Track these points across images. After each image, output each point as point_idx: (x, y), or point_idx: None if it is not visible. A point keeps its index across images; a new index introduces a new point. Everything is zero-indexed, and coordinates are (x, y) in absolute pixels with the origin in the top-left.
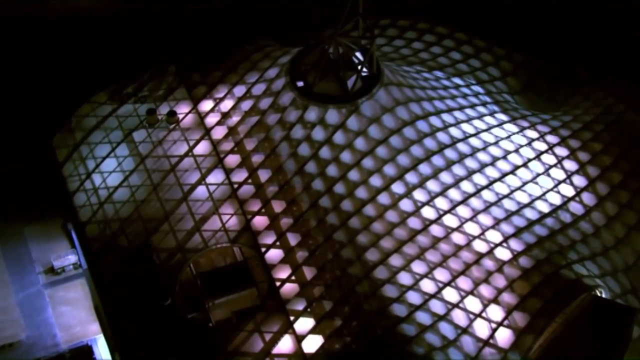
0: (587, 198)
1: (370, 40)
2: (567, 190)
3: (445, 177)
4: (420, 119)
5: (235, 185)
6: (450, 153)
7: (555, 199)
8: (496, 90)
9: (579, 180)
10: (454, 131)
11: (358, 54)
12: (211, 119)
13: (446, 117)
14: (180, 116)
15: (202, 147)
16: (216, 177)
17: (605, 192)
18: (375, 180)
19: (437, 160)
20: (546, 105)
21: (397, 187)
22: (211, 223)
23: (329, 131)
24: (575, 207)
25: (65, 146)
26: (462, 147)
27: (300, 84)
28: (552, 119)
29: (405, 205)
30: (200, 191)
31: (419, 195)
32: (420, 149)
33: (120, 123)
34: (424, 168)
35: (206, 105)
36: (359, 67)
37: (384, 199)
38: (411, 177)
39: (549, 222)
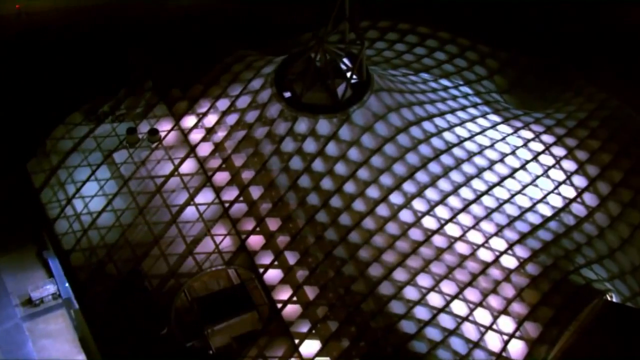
0: (589, 199)
1: (360, 45)
2: (568, 192)
3: (444, 185)
4: (413, 125)
5: (227, 204)
6: (446, 159)
7: (557, 202)
8: (485, 90)
9: (579, 181)
10: (448, 136)
11: (345, 60)
12: (195, 136)
13: (439, 121)
14: (163, 134)
15: (188, 166)
16: (205, 196)
17: (607, 191)
18: (373, 192)
19: (434, 167)
20: (537, 103)
21: (396, 198)
22: (204, 245)
23: (320, 142)
24: (578, 209)
25: (41, 171)
26: (457, 152)
27: (287, 94)
28: (545, 118)
29: (405, 216)
30: (190, 212)
31: (419, 204)
32: (415, 156)
33: (98, 144)
34: (421, 176)
35: (189, 121)
36: (348, 74)
37: (382, 210)
38: (409, 187)
39: (552, 225)
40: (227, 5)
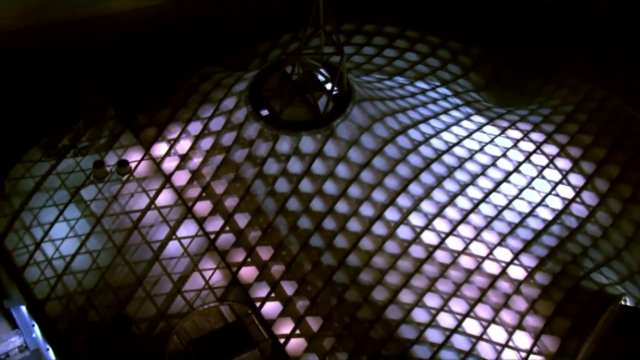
0: (588, 197)
1: (340, 54)
2: (566, 192)
3: (439, 196)
4: (399, 135)
5: (212, 236)
6: (438, 168)
7: (556, 203)
8: (462, 89)
9: (576, 179)
10: (436, 143)
11: (322, 71)
12: (169, 164)
13: (424, 127)
14: (133, 165)
15: (165, 197)
16: (188, 229)
17: (606, 188)
18: (366, 210)
19: (427, 178)
20: (517, 99)
21: (391, 214)
22: (192, 282)
23: (306, 161)
24: (578, 209)
25: (2, 215)
26: (448, 159)
27: (264, 112)
28: (530, 114)
29: (404, 232)
30: (173, 247)
31: (416, 219)
32: (406, 167)
33: (63, 181)
34: (415, 188)
35: (160, 149)
36: (327, 86)
37: (379, 229)
38: (403, 201)
39: (555, 230)
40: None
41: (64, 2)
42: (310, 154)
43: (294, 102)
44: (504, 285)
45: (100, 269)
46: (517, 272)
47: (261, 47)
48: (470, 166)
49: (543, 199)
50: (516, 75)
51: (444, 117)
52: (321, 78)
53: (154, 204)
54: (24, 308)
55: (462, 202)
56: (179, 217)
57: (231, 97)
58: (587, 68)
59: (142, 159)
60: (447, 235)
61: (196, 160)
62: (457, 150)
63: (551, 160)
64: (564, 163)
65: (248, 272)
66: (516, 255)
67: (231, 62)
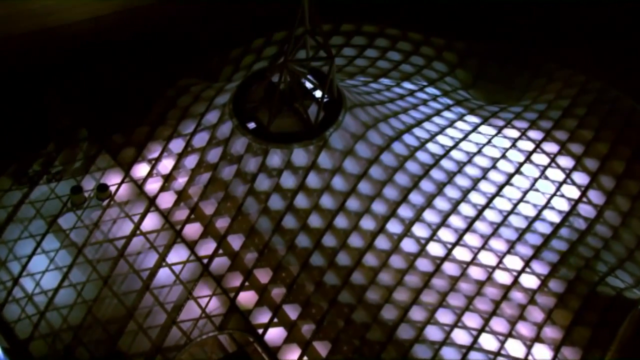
0: (595, 196)
1: (330, 59)
2: (571, 192)
3: (441, 204)
4: (395, 141)
5: (205, 260)
6: (437, 174)
7: (563, 205)
8: (450, 87)
9: (580, 178)
10: (432, 147)
11: (309, 77)
12: (152, 186)
13: (419, 132)
14: (113, 188)
15: (151, 222)
16: (178, 254)
17: (612, 185)
18: (367, 223)
19: (427, 186)
20: (507, 94)
21: (393, 226)
22: (188, 311)
23: (299, 175)
24: (586, 210)
25: None
26: (447, 164)
27: (251, 125)
28: (524, 111)
29: (408, 245)
30: (164, 275)
31: (419, 230)
32: (405, 175)
33: (38, 210)
34: (416, 197)
35: (141, 170)
36: (315, 93)
37: (382, 243)
38: (405, 212)
39: (564, 233)
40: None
41: (10, 15)
42: (303, 167)
43: (283, 113)
44: (517, 296)
45: (87, 302)
46: (529, 281)
47: (232, 53)
48: (470, 170)
49: (549, 201)
50: (504, 70)
51: (437, 119)
52: (309, 85)
53: (139, 229)
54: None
55: (466, 209)
56: (167, 242)
57: (214, 111)
58: (577, 58)
59: (123, 181)
60: (454, 245)
61: (181, 180)
62: (455, 153)
63: (553, 159)
64: (566, 161)
65: (247, 297)
66: (527, 263)
67: (200, 71)
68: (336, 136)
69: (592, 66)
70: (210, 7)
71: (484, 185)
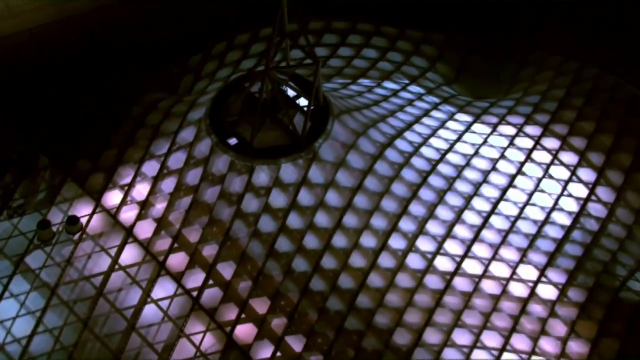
0: (604, 193)
1: (315, 64)
2: (579, 190)
3: (444, 213)
4: (387, 148)
5: (195, 293)
6: (436, 181)
7: (572, 205)
8: (434, 84)
9: (586, 174)
10: (427, 152)
11: (292, 85)
12: (128, 215)
13: (411, 136)
14: (84, 221)
15: (131, 254)
16: (165, 288)
17: (620, 180)
18: (368, 240)
19: (427, 195)
20: (493, 88)
21: (397, 242)
22: (181, 351)
23: (290, 193)
24: (596, 209)
25: None
26: (445, 169)
27: (232, 141)
28: (517, 105)
29: (414, 262)
30: (151, 312)
31: (424, 244)
32: (402, 185)
33: (1, 250)
34: (417, 208)
35: (113, 198)
36: (303, 101)
37: (386, 261)
38: (407, 225)
39: (577, 236)
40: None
41: None
42: (293, 183)
43: (266, 126)
44: (536, 309)
45: (67, 348)
46: (547, 292)
47: (191, 61)
48: (470, 174)
49: (556, 202)
50: (488, 62)
51: (427, 121)
52: (291, 93)
53: (118, 264)
54: None
55: (471, 218)
56: (151, 276)
57: (189, 128)
58: (565, 44)
59: (94, 212)
60: (463, 258)
61: (160, 207)
62: (452, 157)
63: (555, 155)
64: (569, 157)
65: (245, 331)
66: (543, 272)
67: (157, 83)
68: (326, 147)
69: (580, 51)
70: (156, 9)
71: (486, 190)
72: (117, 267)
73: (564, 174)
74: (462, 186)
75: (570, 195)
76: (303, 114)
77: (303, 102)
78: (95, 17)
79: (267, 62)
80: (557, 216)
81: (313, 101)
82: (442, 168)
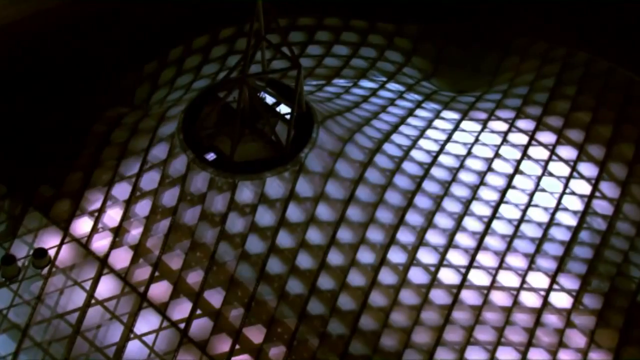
0: (608, 189)
1: (297, 68)
2: (582, 187)
3: (443, 221)
4: (376, 153)
5: (182, 325)
6: (430, 186)
7: (575, 204)
8: (413, 80)
9: (587, 169)
10: (418, 155)
11: (269, 90)
12: (100, 243)
13: (398, 139)
14: (52, 252)
15: (107, 286)
16: (148, 321)
17: (624, 173)
18: (365, 256)
19: (422, 202)
20: (475, 80)
21: (396, 256)
22: None
23: (277, 209)
24: (601, 206)
25: None
26: (438, 173)
27: (210, 156)
28: (505, 97)
29: (416, 276)
30: (135, 349)
31: (426, 256)
32: (396, 193)
33: None
34: (413, 217)
35: (82, 225)
36: (283, 108)
37: (387, 277)
38: (405, 236)
39: (584, 237)
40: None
41: None
42: (280, 198)
43: (246, 137)
44: (551, 320)
45: None
46: (561, 300)
47: (146, 68)
48: (465, 176)
49: (559, 201)
50: (467, 52)
51: (412, 121)
52: (269, 100)
53: (94, 298)
54: None
55: (472, 224)
56: (132, 309)
57: (160, 144)
58: (548, 29)
59: (62, 242)
60: (468, 269)
61: (135, 232)
62: (444, 159)
63: (552, 150)
64: (567, 151)
65: None
66: (554, 279)
67: (108, 93)
68: (312, 157)
69: (567, 35)
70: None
71: (484, 192)
72: (93, 301)
73: (564, 170)
74: (458, 190)
75: (572, 193)
76: (285, 122)
77: (283, 109)
78: (31, 24)
79: (243, 68)
80: (561, 216)
81: (296, 107)
82: (436, 171)
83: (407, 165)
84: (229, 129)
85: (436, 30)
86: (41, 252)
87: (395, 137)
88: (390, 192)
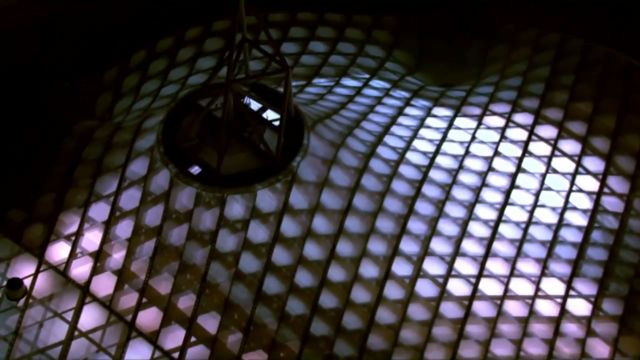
0: (616, 184)
1: (285, 71)
2: (589, 183)
3: (447, 227)
4: (370, 158)
5: (176, 354)
6: (430, 190)
7: (584, 202)
8: (397, 76)
9: (593, 163)
10: (414, 157)
11: (254, 95)
12: (80, 269)
13: (391, 140)
14: (27, 282)
15: (92, 316)
16: (138, 352)
17: (632, 165)
18: (368, 270)
19: (424, 208)
20: (462, 73)
21: (401, 268)
22: None
23: (271, 223)
24: (611, 203)
25: None
26: (436, 175)
27: (195, 170)
28: (498, 90)
29: (424, 289)
30: None
31: (432, 267)
32: (395, 200)
33: None
34: (416, 225)
35: (59, 251)
36: (270, 114)
37: (393, 291)
38: (409, 246)
39: (597, 237)
40: None
41: None
42: (273, 211)
43: (232, 147)
44: (571, 329)
45: None
46: (579, 307)
47: (107, 75)
48: (465, 178)
49: (567, 200)
50: (451, 43)
51: (403, 120)
52: (254, 106)
53: (77, 329)
54: None
55: (477, 229)
56: (119, 340)
57: (138, 159)
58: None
59: (38, 270)
60: (478, 278)
61: (117, 256)
62: (441, 160)
63: (554, 145)
64: (570, 146)
65: None
66: (569, 284)
67: (66, 103)
68: (305, 165)
69: (553, 19)
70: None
71: (487, 195)
72: (76, 333)
73: (569, 165)
74: (460, 193)
75: (580, 190)
76: (273, 129)
77: (270, 115)
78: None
79: (228, 73)
80: (571, 216)
81: (285, 113)
82: (434, 174)
83: (404, 169)
84: (214, 139)
85: (416, 20)
86: (16, 283)
87: (388, 139)
88: (389, 199)
